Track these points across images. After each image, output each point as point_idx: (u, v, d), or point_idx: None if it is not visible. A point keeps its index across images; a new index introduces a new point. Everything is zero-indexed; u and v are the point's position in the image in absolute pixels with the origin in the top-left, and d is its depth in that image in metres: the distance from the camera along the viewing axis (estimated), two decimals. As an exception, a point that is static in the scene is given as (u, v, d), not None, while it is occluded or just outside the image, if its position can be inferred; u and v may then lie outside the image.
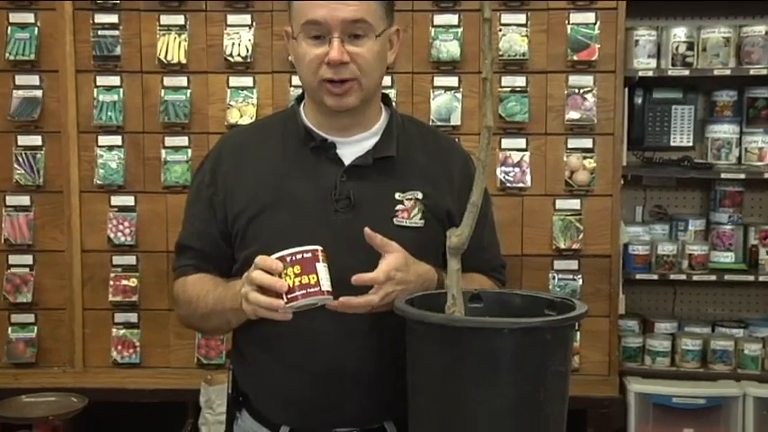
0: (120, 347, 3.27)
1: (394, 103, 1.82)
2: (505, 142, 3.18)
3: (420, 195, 1.68)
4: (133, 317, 3.27)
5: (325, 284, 1.44)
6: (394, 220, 1.66)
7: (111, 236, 3.23)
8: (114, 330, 3.27)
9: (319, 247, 1.46)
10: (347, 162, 1.67)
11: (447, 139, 1.89)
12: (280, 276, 1.43)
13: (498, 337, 1.29)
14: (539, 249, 3.20)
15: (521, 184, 3.18)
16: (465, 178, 1.73)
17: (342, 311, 1.51)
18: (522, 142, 3.18)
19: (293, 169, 1.68)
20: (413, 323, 1.39)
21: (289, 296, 1.43)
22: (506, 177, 3.18)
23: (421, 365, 1.38)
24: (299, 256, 1.44)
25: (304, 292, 1.43)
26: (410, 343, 1.41)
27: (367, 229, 1.54)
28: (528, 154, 3.18)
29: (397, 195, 1.67)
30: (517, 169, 3.18)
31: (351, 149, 1.69)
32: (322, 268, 1.45)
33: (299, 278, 1.43)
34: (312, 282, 1.43)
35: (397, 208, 1.66)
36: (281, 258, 1.44)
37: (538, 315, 1.42)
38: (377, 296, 1.51)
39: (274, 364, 1.69)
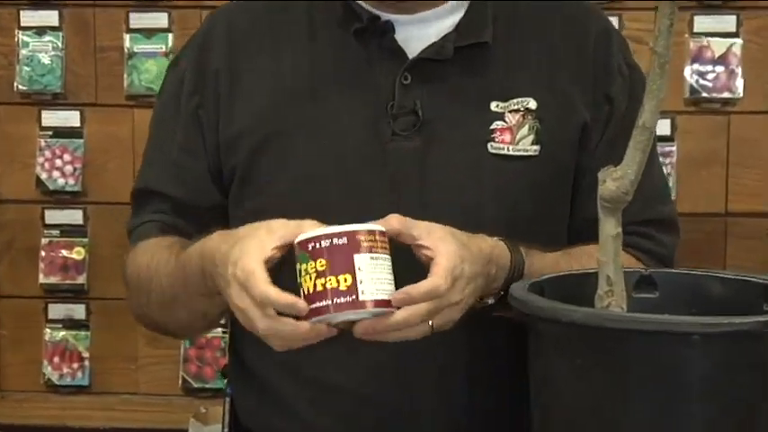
0: (57, 360, 3.37)
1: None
2: (701, 22, 3.18)
3: (533, 104, 1.69)
4: (79, 310, 3.37)
5: (368, 290, 1.40)
6: (489, 145, 1.67)
7: (44, 177, 3.32)
8: (48, 332, 3.37)
9: (364, 227, 1.42)
10: (412, 54, 1.69)
11: (575, 4, 1.84)
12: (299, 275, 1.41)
13: (683, 346, 1.30)
14: (754, 205, 3.22)
15: (726, 95, 3.19)
16: (603, 65, 1.73)
17: (381, 338, 1.46)
18: (729, 22, 3.18)
19: (326, 67, 1.71)
20: (541, 322, 1.40)
21: (313, 306, 1.40)
22: (701, 82, 3.18)
23: (554, 389, 1.40)
24: (325, 243, 1.40)
25: (329, 302, 1.40)
26: (535, 353, 1.42)
27: (393, 217, 1.48)
28: (739, 42, 3.17)
29: (494, 106, 1.69)
30: (720, 68, 3.17)
31: (418, 32, 1.70)
32: (366, 262, 1.41)
33: (324, 280, 1.39)
34: (344, 286, 1.40)
35: (495, 126, 1.68)
36: (302, 244, 1.41)
37: (751, 312, 1.43)
38: (438, 318, 1.46)
39: (299, 387, 1.72)
